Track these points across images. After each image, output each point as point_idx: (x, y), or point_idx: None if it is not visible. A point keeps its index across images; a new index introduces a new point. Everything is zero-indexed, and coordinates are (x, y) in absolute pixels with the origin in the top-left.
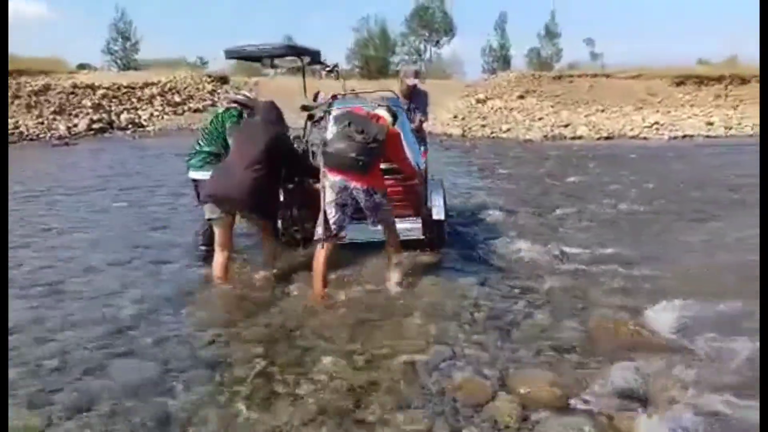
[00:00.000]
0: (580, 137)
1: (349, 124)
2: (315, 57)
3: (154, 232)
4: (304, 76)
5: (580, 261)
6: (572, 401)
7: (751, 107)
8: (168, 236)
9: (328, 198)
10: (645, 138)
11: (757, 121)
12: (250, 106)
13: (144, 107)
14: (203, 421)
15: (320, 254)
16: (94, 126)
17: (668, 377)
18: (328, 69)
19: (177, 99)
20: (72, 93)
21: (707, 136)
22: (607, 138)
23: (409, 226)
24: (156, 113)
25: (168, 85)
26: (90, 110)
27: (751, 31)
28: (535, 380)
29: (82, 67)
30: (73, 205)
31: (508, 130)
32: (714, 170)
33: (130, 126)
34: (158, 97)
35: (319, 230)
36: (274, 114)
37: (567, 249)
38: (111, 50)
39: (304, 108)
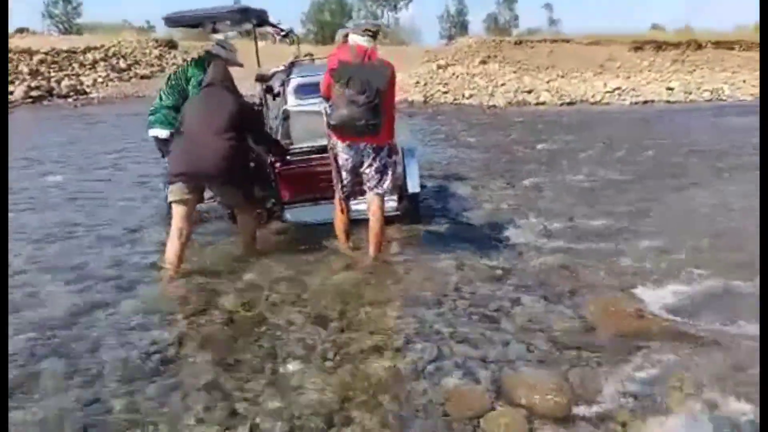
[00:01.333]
0: (543, 103)
1: (348, 82)
2: (263, 18)
3: (95, 211)
4: (256, 43)
5: (564, 236)
6: (579, 409)
7: (707, 72)
8: (111, 213)
9: (340, 161)
10: (607, 103)
11: (715, 86)
12: (230, 61)
13: (86, 73)
14: None
15: (340, 215)
16: (32, 94)
17: (681, 371)
18: (282, 34)
19: (122, 64)
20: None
21: (667, 101)
22: (569, 104)
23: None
24: (100, 80)
25: (112, 50)
26: (27, 77)
27: None
28: (536, 384)
29: (20, 31)
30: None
31: (471, 96)
32: (681, 135)
33: (71, 93)
34: (101, 63)
35: (337, 191)
36: (229, 80)
37: (548, 223)
38: (51, 14)
39: (260, 78)
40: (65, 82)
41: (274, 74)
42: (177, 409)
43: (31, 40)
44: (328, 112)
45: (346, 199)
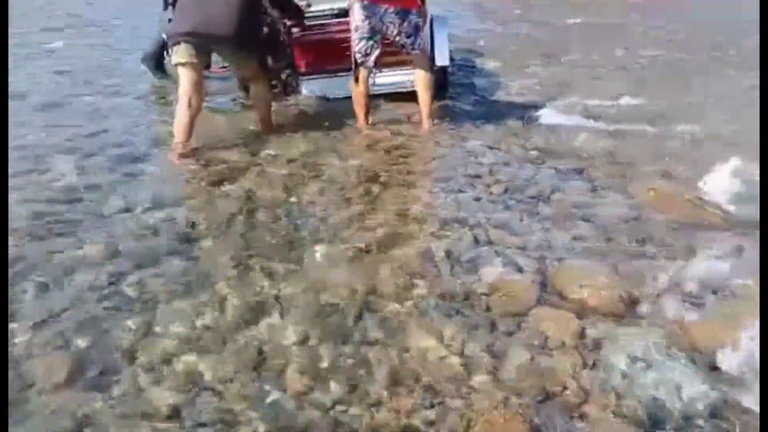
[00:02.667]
0: None
1: None
2: None
3: (96, 77)
4: None
5: (605, 117)
6: (633, 306)
7: None
8: (114, 79)
9: (355, 22)
10: None
11: None
12: None
13: None
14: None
15: (357, 85)
16: None
17: (745, 269)
18: None
19: None
20: None
21: None
22: None
23: (401, 79)
24: None
25: None
26: None
27: None
28: (585, 277)
29: None
30: None
31: None
32: (723, 11)
33: None
34: None
35: (351, 59)
36: None
37: (587, 102)
38: None
39: None
40: None
41: None
42: (195, 291)
43: None
44: None
45: (361, 67)
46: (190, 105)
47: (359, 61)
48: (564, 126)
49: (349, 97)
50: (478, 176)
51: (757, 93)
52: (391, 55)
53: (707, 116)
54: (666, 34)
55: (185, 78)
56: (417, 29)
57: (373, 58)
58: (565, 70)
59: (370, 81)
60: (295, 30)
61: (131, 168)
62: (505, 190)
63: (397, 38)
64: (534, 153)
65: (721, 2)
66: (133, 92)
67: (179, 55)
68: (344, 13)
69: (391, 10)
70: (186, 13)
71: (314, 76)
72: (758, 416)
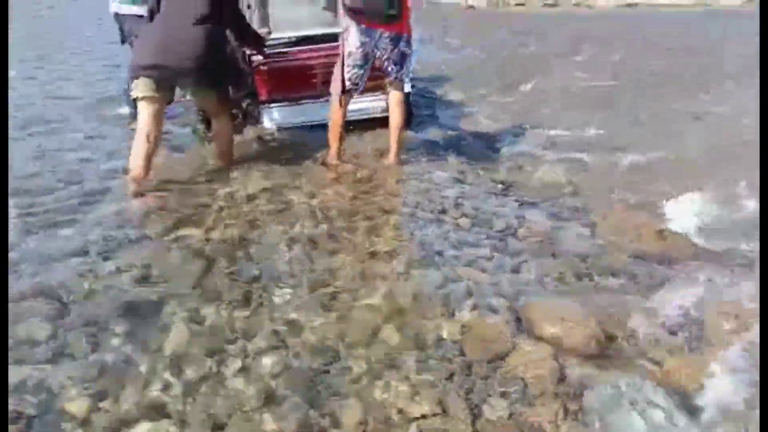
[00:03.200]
0: (523, 4)
1: None
2: None
3: (49, 107)
4: None
5: (566, 146)
6: (609, 344)
7: None
8: (67, 110)
9: (349, 47)
10: (589, 6)
11: None
12: None
13: None
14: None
15: (338, 112)
16: None
17: (717, 300)
18: None
19: None
20: None
21: (651, 5)
22: (552, 5)
23: (368, 105)
24: None
25: None
26: None
27: None
28: (560, 316)
29: None
30: None
31: None
32: (675, 40)
33: None
34: None
35: (337, 85)
36: None
37: (548, 132)
38: None
39: None
40: None
41: None
42: (149, 349)
43: None
44: None
45: (347, 93)
46: (148, 140)
47: (348, 88)
48: (527, 156)
49: (311, 126)
50: (444, 210)
51: (713, 119)
52: (370, 80)
53: (664, 143)
54: (621, 60)
55: (144, 112)
56: (404, 58)
57: (361, 86)
58: (524, 99)
59: None
60: (255, 58)
61: (81, 209)
62: (473, 224)
63: (385, 63)
64: (499, 185)
65: (668, 32)
66: (84, 127)
67: (139, 89)
68: (307, 39)
69: (386, 35)
70: (147, 44)
71: (275, 105)
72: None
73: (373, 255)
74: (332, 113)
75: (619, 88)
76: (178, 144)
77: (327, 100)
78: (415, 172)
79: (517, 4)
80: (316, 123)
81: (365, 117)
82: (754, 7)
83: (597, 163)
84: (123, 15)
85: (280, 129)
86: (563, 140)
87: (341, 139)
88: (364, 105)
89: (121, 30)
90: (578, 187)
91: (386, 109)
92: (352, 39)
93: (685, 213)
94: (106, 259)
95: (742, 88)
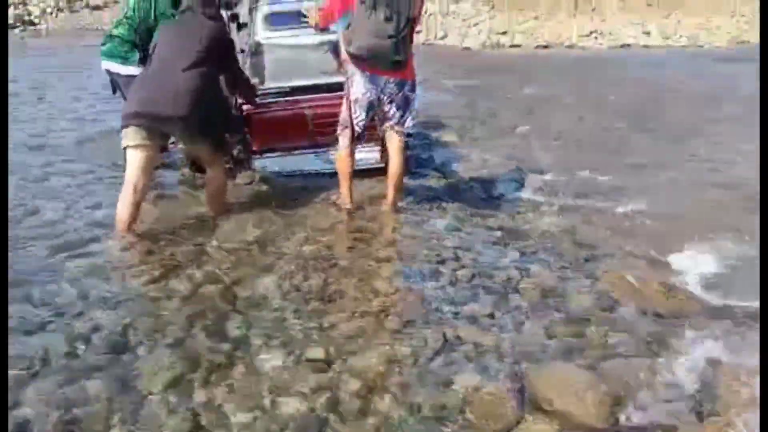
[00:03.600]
0: (518, 46)
1: (374, 6)
2: None
3: (33, 155)
4: None
5: (565, 192)
6: (620, 414)
7: (683, 17)
8: (52, 157)
9: (354, 95)
10: (583, 47)
11: (692, 31)
12: None
13: (35, 2)
14: None
15: (347, 160)
16: None
17: (733, 364)
18: None
19: None
20: None
21: (645, 46)
22: (545, 47)
23: (363, 155)
24: (49, 9)
25: None
26: None
27: None
28: (567, 383)
29: None
30: None
31: (444, 37)
32: (668, 81)
33: (18, 24)
34: None
35: (347, 132)
36: (213, 5)
37: (545, 177)
38: None
39: (224, 4)
40: (11, 11)
41: (239, 1)
42: (125, 418)
43: None
44: (348, 38)
45: (357, 139)
46: (135, 189)
47: (357, 134)
48: (526, 202)
49: (302, 174)
50: (443, 261)
51: (711, 165)
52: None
53: (664, 190)
54: (615, 102)
55: (134, 161)
56: (407, 103)
57: (364, 134)
58: (520, 142)
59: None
60: (246, 107)
61: (62, 262)
62: (472, 277)
63: (387, 108)
64: (498, 233)
65: (661, 74)
66: (68, 171)
67: (128, 137)
68: (300, 90)
69: (392, 81)
70: (138, 91)
71: (267, 155)
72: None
73: (367, 312)
74: (341, 161)
75: (615, 131)
76: (166, 189)
77: (321, 150)
78: (411, 219)
79: (511, 46)
80: (305, 172)
81: (360, 168)
82: (748, 47)
83: (597, 211)
84: (111, 72)
85: (270, 175)
86: (562, 186)
87: (352, 181)
88: (359, 156)
89: (112, 82)
90: (580, 237)
91: (379, 161)
92: (357, 86)
93: (690, 265)
94: (83, 319)
95: (738, 131)
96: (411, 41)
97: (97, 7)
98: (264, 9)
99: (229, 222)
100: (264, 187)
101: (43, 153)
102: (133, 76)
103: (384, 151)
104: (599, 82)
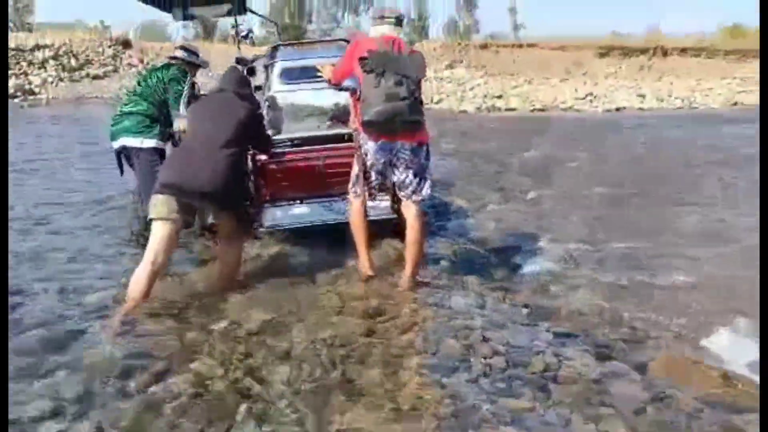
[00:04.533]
0: (513, 109)
1: (383, 73)
2: (242, 4)
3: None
4: (236, 26)
5: (587, 263)
6: None
7: (674, 79)
8: (47, 236)
9: (370, 161)
10: (578, 110)
11: (684, 93)
12: (197, 65)
13: (35, 72)
14: None
15: (361, 217)
16: None
17: None
18: (242, 35)
19: (74, 63)
20: None
21: (640, 109)
22: (540, 110)
23: (373, 205)
24: (50, 79)
25: (63, 49)
26: None
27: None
28: None
29: None
30: None
31: (440, 101)
32: (666, 144)
33: (19, 93)
34: (52, 62)
35: (357, 190)
36: (246, 85)
37: (565, 246)
38: None
39: (240, 62)
40: (12, 81)
41: (255, 59)
42: None
43: None
44: (361, 108)
45: (370, 198)
46: (153, 264)
47: (373, 196)
48: (548, 274)
49: (313, 227)
50: (471, 346)
51: (731, 233)
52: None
53: (687, 261)
54: (617, 166)
55: (158, 233)
56: (424, 171)
57: (377, 190)
58: (530, 208)
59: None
60: (259, 157)
61: (55, 356)
62: (506, 365)
63: (403, 176)
64: (525, 311)
65: (658, 136)
66: (61, 248)
67: (157, 208)
68: (312, 140)
69: (407, 146)
70: (176, 164)
71: (279, 204)
72: None
73: (391, 415)
74: (356, 226)
75: (626, 196)
76: (171, 265)
77: (331, 201)
78: (432, 296)
79: (507, 109)
80: (317, 224)
81: (371, 219)
82: (743, 109)
83: (625, 284)
84: (132, 147)
85: (280, 236)
86: (584, 256)
87: (369, 245)
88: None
89: (120, 163)
90: (613, 314)
91: (390, 212)
92: (371, 154)
93: (736, 347)
94: (80, 420)
95: (741, 196)
96: (422, 103)
97: (97, 77)
98: (279, 65)
99: (238, 300)
100: (274, 252)
101: (36, 229)
102: (155, 149)
103: (395, 203)
104: (601, 144)
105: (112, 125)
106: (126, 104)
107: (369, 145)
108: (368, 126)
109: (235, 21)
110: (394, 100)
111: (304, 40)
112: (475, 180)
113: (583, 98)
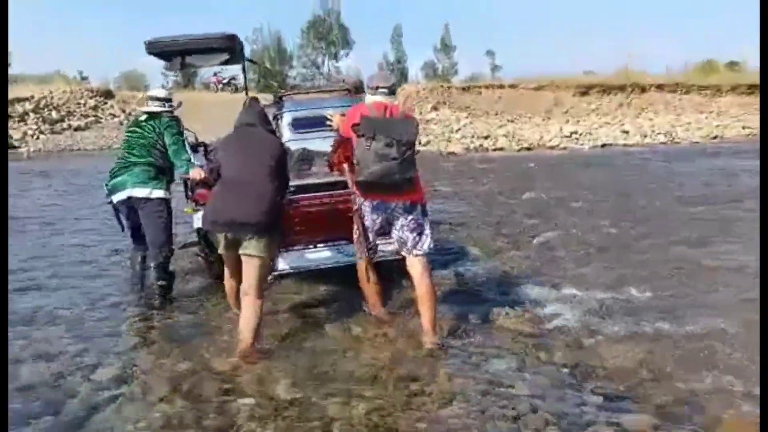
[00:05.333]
0: (501, 149)
1: (374, 136)
2: (241, 53)
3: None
4: (245, 73)
5: (615, 314)
6: None
7: (653, 115)
8: (41, 300)
9: (366, 222)
10: (564, 148)
11: (665, 128)
12: (170, 109)
13: (15, 126)
14: None
15: (368, 273)
16: None
17: None
18: (224, 82)
19: (55, 116)
20: None
21: (625, 145)
22: (528, 149)
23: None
24: (30, 132)
25: (43, 101)
26: None
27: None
28: None
29: None
30: None
31: (428, 143)
32: (660, 179)
33: None
34: (32, 114)
35: (363, 250)
36: (270, 122)
37: (587, 295)
38: None
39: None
40: None
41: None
42: None
43: None
44: (356, 170)
45: (371, 261)
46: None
47: (372, 257)
48: (579, 328)
49: (329, 269)
50: (519, 417)
51: (745, 275)
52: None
53: (719, 307)
54: (618, 205)
55: (227, 263)
56: (421, 226)
57: (376, 249)
58: (543, 253)
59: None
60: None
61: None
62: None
63: (401, 234)
64: (565, 371)
65: (650, 172)
66: (58, 316)
67: (220, 245)
68: (323, 186)
69: (400, 205)
70: (222, 201)
71: (294, 249)
72: None
73: None
74: (363, 281)
75: (638, 237)
76: (182, 335)
77: (341, 244)
78: (464, 359)
79: (495, 149)
80: (327, 266)
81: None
82: (724, 142)
83: (659, 334)
84: (141, 198)
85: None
86: (608, 304)
87: (381, 296)
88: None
89: (119, 220)
90: (659, 370)
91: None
92: (367, 215)
93: None
94: None
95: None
96: (414, 163)
97: (78, 128)
98: (289, 115)
99: (260, 374)
100: (291, 302)
101: (29, 294)
102: (163, 200)
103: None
104: (596, 182)
105: (113, 177)
106: (127, 156)
107: (365, 205)
108: (362, 186)
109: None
110: (385, 160)
111: (309, 90)
112: (480, 224)
113: (569, 136)
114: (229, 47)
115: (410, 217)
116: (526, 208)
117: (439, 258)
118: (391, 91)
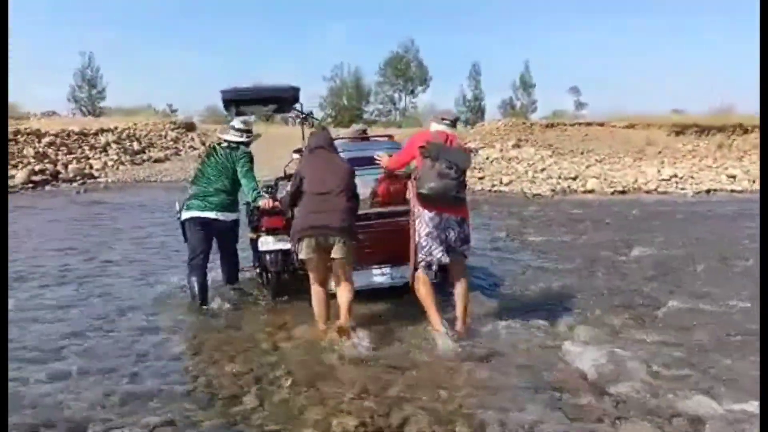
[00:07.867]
0: (591, 191)
1: (438, 158)
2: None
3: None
4: (303, 123)
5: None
6: None
7: (756, 159)
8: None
9: (424, 231)
10: (664, 192)
11: None
12: (248, 140)
13: (97, 156)
14: None
15: (426, 285)
16: (35, 178)
17: None
18: (302, 117)
19: (136, 147)
20: (13, 140)
21: (732, 191)
22: (621, 192)
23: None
24: (110, 162)
25: (126, 132)
26: (32, 160)
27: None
28: None
29: (48, 114)
30: None
31: (510, 182)
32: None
33: (78, 177)
34: (114, 145)
35: (421, 264)
36: (336, 146)
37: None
38: (76, 98)
39: (300, 152)
40: (73, 166)
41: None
42: None
43: (41, 121)
44: (417, 184)
45: (428, 267)
46: (322, 285)
47: (429, 261)
48: None
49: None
50: None
51: None
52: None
53: None
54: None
55: (311, 266)
56: (468, 239)
57: (438, 258)
58: (682, 338)
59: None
60: None
61: None
62: None
63: (454, 243)
64: None
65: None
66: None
67: (303, 251)
68: (368, 216)
69: (453, 218)
70: (309, 212)
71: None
72: None
73: None
74: (422, 288)
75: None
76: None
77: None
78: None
79: (584, 191)
80: (373, 287)
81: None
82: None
83: None
84: (218, 220)
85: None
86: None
87: (439, 308)
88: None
89: (184, 233)
90: None
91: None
92: (427, 222)
93: None
94: None
95: None
96: (466, 187)
97: (158, 160)
98: (343, 155)
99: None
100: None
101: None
102: (237, 221)
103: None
104: (716, 235)
105: (195, 199)
106: (207, 182)
107: (424, 213)
108: (424, 198)
109: (301, 105)
110: (445, 178)
111: (355, 136)
112: (592, 295)
113: (668, 179)
114: (287, 98)
115: (459, 230)
116: (637, 269)
117: (544, 338)
118: (453, 124)
